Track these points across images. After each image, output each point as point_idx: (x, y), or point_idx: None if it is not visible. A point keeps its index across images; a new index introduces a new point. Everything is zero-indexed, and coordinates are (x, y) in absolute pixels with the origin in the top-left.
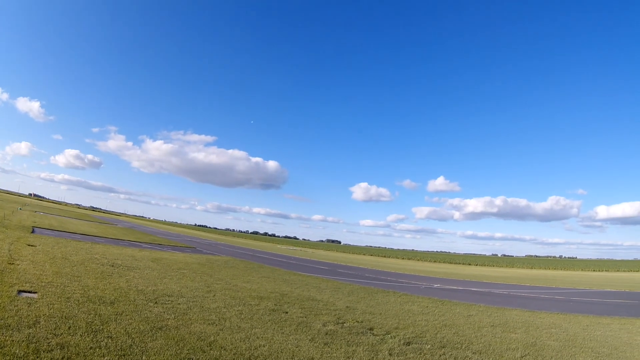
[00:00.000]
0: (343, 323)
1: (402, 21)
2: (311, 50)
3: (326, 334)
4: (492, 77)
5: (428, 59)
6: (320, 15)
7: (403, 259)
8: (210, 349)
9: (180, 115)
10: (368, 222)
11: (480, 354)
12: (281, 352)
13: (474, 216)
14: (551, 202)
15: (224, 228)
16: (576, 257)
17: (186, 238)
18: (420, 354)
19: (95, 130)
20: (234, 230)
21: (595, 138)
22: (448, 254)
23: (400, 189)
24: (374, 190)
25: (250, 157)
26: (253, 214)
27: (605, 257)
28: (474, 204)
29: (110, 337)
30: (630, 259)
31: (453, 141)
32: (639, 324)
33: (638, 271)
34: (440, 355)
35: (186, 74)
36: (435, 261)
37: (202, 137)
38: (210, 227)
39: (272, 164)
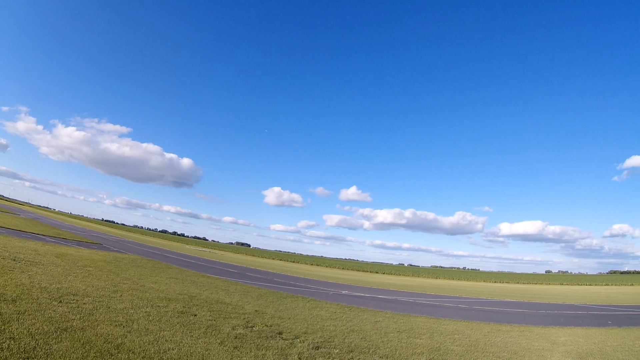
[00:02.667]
0: (252, 327)
1: (315, 26)
2: (230, 48)
3: (235, 337)
4: (407, 94)
5: (347, 69)
6: (236, 15)
7: (312, 265)
8: (118, 352)
9: (96, 103)
10: (279, 226)
11: (387, 358)
12: (191, 355)
13: (384, 226)
14: (458, 217)
15: (132, 225)
16: (479, 269)
17: (92, 233)
18: (329, 358)
19: (4, 109)
20: (142, 227)
21: (502, 160)
22: (356, 261)
23: (313, 196)
24: (286, 195)
25: (165, 153)
26: (163, 212)
27: (506, 270)
28: (384, 215)
29: (13, 339)
30: (529, 272)
31: (368, 153)
32: (536, 331)
33: (536, 284)
34: None
35: (106, 60)
36: (343, 268)
37: (117, 127)
38: (118, 223)
39: (186, 162)
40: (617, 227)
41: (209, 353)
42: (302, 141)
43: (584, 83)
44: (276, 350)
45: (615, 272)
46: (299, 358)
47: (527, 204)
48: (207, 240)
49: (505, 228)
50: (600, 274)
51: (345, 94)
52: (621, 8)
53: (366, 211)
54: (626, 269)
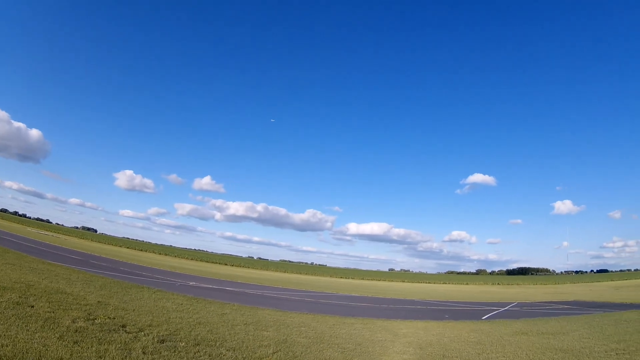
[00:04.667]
0: (94, 319)
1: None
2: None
3: (76, 331)
4: (264, 87)
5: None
6: None
7: (160, 254)
8: None
9: None
10: (128, 212)
11: (234, 350)
12: (27, 352)
13: (235, 219)
14: (309, 215)
15: None
16: (326, 265)
17: None
18: (174, 351)
19: None
20: None
21: (355, 164)
22: (206, 252)
23: (166, 183)
24: (138, 180)
25: (12, 121)
26: (4, 188)
27: (352, 266)
28: (237, 207)
29: None
30: (373, 269)
31: (224, 143)
32: (379, 324)
33: (380, 280)
34: (195, 353)
35: None
36: (192, 259)
37: None
38: None
39: (35, 133)
40: (455, 234)
41: (46, 349)
42: (157, 123)
43: (440, 108)
44: (119, 345)
45: (452, 272)
46: (143, 352)
47: (375, 207)
48: (51, 222)
49: (353, 228)
50: (439, 274)
51: (202, 79)
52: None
53: (219, 202)
54: (462, 270)
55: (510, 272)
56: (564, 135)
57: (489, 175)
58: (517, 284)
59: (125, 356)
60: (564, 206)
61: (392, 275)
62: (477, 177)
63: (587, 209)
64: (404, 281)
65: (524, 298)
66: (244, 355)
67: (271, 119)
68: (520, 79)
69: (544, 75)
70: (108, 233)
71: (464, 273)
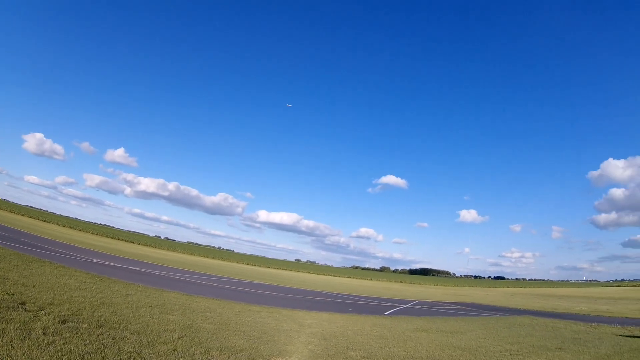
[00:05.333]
0: None
1: None
2: None
3: None
4: (181, 65)
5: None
6: None
7: (65, 226)
8: None
9: None
10: (34, 178)
11: (138, 334)
12: None
13: (145, 195)
14: (220, 198)
15: None
16: (234, 250)
17: None
18: (76, 333)
19: None
20: None
21: (269, 151)
22: (112, 228)
23: (77, 151)
24: (48, 144)
25: None
26: None
27: (259, 254)
28: (148, 184)
29: None
30: (280, 258)
31: (140, 115)
32: (285, 313)
33: (286, 269)
34: (98, 335)
35: None
36: (98, 234)
37: None
38: None
39: None
40: (363, 230)
41: None
42: (74, 86)
43: (360, 108)
44: (18, 324)
45: (357, 267)
46: (44, 333)
47: (287, 196)
48: None
49: (264, 215)
50: (344, 268)
51: (130, 47)
52: None
53: (130, 177)
54: (367, 266)
55: (413, 272)
56: (475, 148)
57: (402, 178)
58: (419, 283)
59: (25, 337)
60: (469, 215)
61: (298, 265)
62: (390, 179)
63: (490, 219)
64: (309, 272)
65: (425, 297)
66: (149, 340)
67: (287, 104)
68: (442, 86)
69: (463, 86)
70: (11, 200)
71: (368, 269)
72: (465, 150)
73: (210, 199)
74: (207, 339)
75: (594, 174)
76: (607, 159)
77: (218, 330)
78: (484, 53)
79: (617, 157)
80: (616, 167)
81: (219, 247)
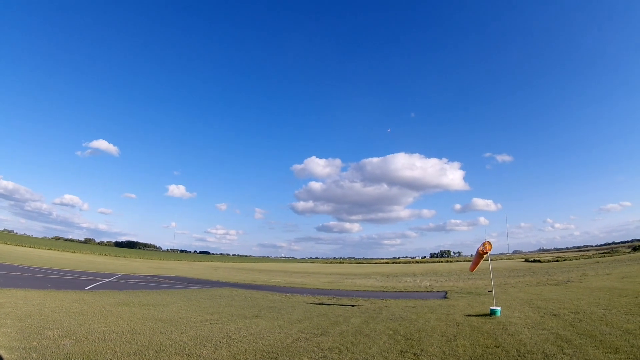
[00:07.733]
0: None
1: None
2: None
3: None
4: None
5: None
6: None
7: None
8: None
9: None
10: None
11: None
12: None
13: None
14: None
15: None
16: None
17: None
18: None
19: None
20: None
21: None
22: None
23: None
24: None
25: None
26: None
27: None
28: None
29: None
30: None
31: None
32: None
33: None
34: None
35: None
36: None
37: None
38: None
39: None
40: (68, 197)
41: None
42: None
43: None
44: None
45: (60, 238)
46: None
47: None
48: None
49: None
50: (45, 238)
51: None
52: None
53: None
54: (70, 237)
55: (118, 245)
56: (188, 126)
57: (114, 144)
58: (124, 257)
59: None
60: (177, 190)
61: None
62: (101, 144)
63: (198, 196)
64: (6, 243)
65: (130, 270)
66: None
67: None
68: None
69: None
70: None
71: (72, 240)
72: (178, 127)
73: None
74: None
75: (297, 167)
76: (311, 156)
77: None
78: None
79: (320, 157)
80: (317, 165)
81: None
